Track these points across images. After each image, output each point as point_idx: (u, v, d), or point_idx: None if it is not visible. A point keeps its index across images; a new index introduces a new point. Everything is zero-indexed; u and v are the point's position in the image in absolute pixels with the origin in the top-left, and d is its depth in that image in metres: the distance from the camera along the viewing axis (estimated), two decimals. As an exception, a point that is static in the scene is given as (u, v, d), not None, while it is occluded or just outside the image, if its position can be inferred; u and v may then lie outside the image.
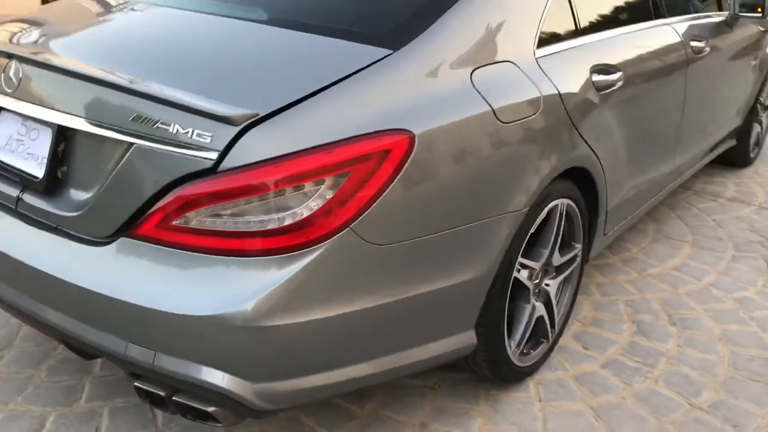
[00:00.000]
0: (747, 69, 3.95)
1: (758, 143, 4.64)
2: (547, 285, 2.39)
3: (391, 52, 1.85)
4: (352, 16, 2.03)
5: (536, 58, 2.18)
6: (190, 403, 1.70)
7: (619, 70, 2.51)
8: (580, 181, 2.38)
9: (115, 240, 1.73)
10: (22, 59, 1.86)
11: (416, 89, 1.82)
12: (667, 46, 2.94)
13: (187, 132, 1.61)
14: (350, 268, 1.68)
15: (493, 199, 1.97)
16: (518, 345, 2.30)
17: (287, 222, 1.60)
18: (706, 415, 2.31)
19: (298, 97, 1.67)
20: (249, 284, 1.60)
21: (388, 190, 1.68)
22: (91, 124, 1.74)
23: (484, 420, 2.25)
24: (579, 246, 2.49)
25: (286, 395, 1.71)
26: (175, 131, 1.62)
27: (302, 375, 1.71)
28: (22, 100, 1.87)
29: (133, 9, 2.23)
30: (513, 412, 2.29)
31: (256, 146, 1.60)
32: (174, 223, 1.65)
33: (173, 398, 1.71)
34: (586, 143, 2.32)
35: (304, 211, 1.61)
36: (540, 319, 2.38)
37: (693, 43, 3.16)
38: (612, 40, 2.61)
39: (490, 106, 1.93)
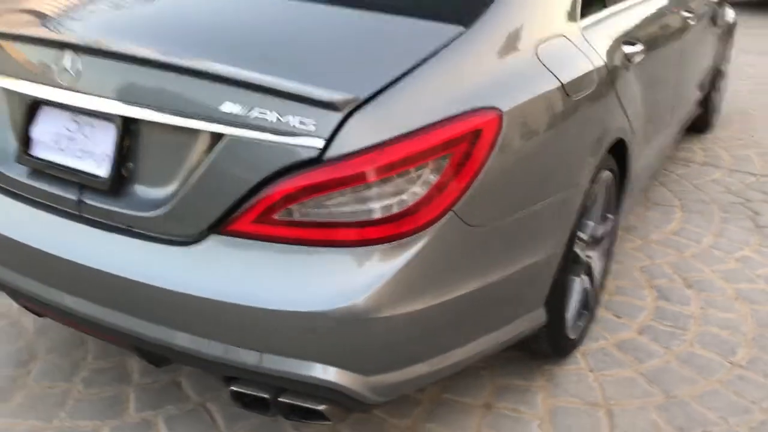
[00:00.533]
0: (714, 38, 4.10)
1: (717, 109, 4.84)
2: (589, 257, 2.42)
3: (463, 29, 1.80)
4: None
5: (581, 31, 2.19)
6: (298, 403, 1.63)
7: (640, 41, 2.55)
8: (614, 151, 2.41)
9: (205, 238, 1.62)
10: (80, 48, 1.70)
11: (494, 66, 1.80)
12: (668, 17, 3.01)
13: (288, 120, 1.53)
14: (454, 252, 1.65)
15: (567, 173, 1.97)
16: (572, 318, 2.32)
17: (395, 210, 1.55)
18: (747, 372, 2.41)
19: (390, 80, 1.62)
20: (363, 275, 1.54)
21: (483, 170, 1.65)
22: (172, 114, 1.62)
23: (546, 394, 2.27)
24: (614, 216, 2.53)
25: (396, 386, 1.67)
26: (274, 120, 1.53)
27: (412, 364, 1.67)
28: (81, 92, 1.72)
29: None
30: (570, 384, 2.32)
31: (359, 132, 1.53)
32: (275, 216, 1.56)
33: (279, 399, 1.63)
34: (625, 114, 2.36)
35: (410, 198, 1.56)
36: (584, 290, 2.41)
37: (684, 14, 3.25)
38: (628, 12, 2.65)
39: (560, 80, 1.92)
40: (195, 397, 2.22)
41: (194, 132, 1.62)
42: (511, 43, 1.86)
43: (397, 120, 1.57)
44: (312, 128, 1.52)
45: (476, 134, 1.63)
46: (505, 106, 1.72)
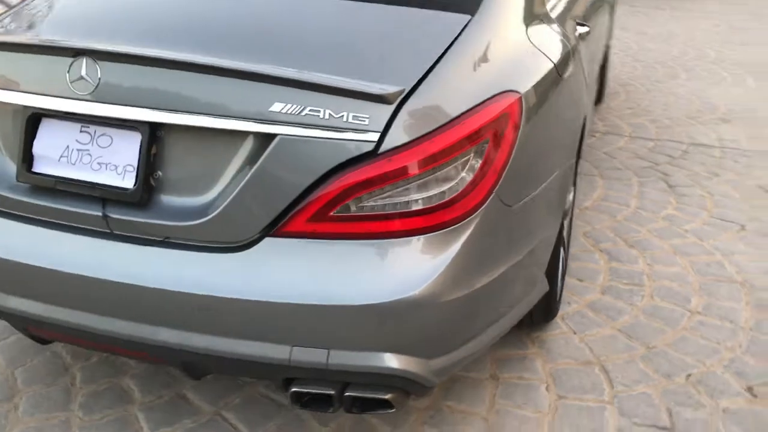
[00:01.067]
0: (608, 15, 4.41)
1: (606, 82, 5.21)
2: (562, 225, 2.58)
3: (470, 17, 1.87)
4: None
5: (550, 15, 2.32)
6: (366, 395, 1.65)
7: (585, 22, 2.73)
8: None
9: (259, 242, 1.59)
10: (100, 54, 1.61)
11: (502, 51, 1.88)
12: None
13: (342, 116, 1.53)
14: (497, 232, 1.72)
15: (566, 147, 2.10)
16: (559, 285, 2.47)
17: (447, 197, 1.60)
18: (706, 317, 2.66)
19: (426, 70, 1.66)
20: (426, 263, 1.58)
21: (513, 151, 1.73)
22: (214, 117, 1.57)
23: (543, 360, 2.40)
24: (575, 185, 2.71)
25: (451, 367, 1.73)
26: (327, 116, 1.53)
27: (464, 344, 1.73)
28: (99, 101, 1.62)
29: None
30: (561, 347, 2.47)
31: (409, 124, 1.57)
32: (332, 213, 1.57)
33: (345, 394, 1.64)
34: (587, 89, 2.53)
35: (460, 184, 1.62)
36: (562, 258, 2.57)
37: None
38: None
39: (552, 62, 2.04)
40: (207, 407, 2.17)
41: (237, 134, 1.59)
42: (511, 28, 1.95)
43: (440, 108, 1.61)
44: (366, 123, 1.53)
45: (507, 116, 1.71)
46: (522, 88, 1.81)
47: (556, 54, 2.09)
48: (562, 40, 2.23)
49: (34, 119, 1.71)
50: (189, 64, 1.57)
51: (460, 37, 1.78)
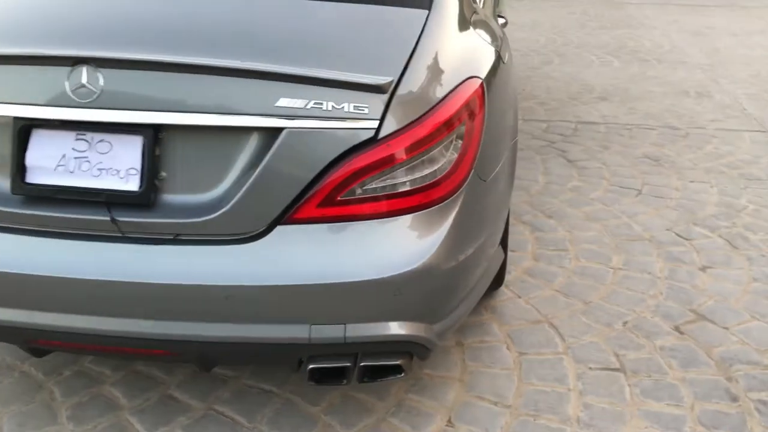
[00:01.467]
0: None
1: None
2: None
3: (427, 11, 2.04)
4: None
5: (481, 8, 2.54)
6: (379, 363, 1.79)
7: (503, 16, 2.99)
8: None
9: (271, 230, 1.70)
10: (100, 61, 1.64)
11: (459, 41, 2.07)
12: None
13: (343, 107, 1.66)
14: (478, 205, 1.91)
15: (513, 125, 2.32)
16: (505, 254, 2.70)
17: (438, 175, 1.77)
18: (628, 272, 2.99)
19: (405, 61, 1.81)
20: (427, 235, 1.75)
21: (482, 130, 1.93)
22: (219, 115, 1.65)
23: (498, 323, 2.63)
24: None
25: (449, 329, 1.91)
26: (329, 108, 1.66)
27: (458, 307, 1.91)
28: (101, 107, 1.66)
29: None
30: (511, 310, 2.71)
31: (401, 110, 1.72)
32: (339, 197, 1.70)
33: (361, 364, 1.78)
34: None
35: (448, 163, 1.79)
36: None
37: None
38: None
39: (496, 50, 2.25)
40: (198, 404, 2.22)
41: (242, 131, 1.68)
42: (460, 22, 2.14)
43: (423, 95, 1.77)
44: (366, 111, 1.67)
45: (476, 99, 1.90)
46: (481, 73, 2.00)
47: (496, 42, 2.30)
48: (495, 31, 2.45)
49: (24, 131, 1.71)
50: (193, 66, 1.64)
51: (424, 31, 1.94)
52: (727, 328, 2.62)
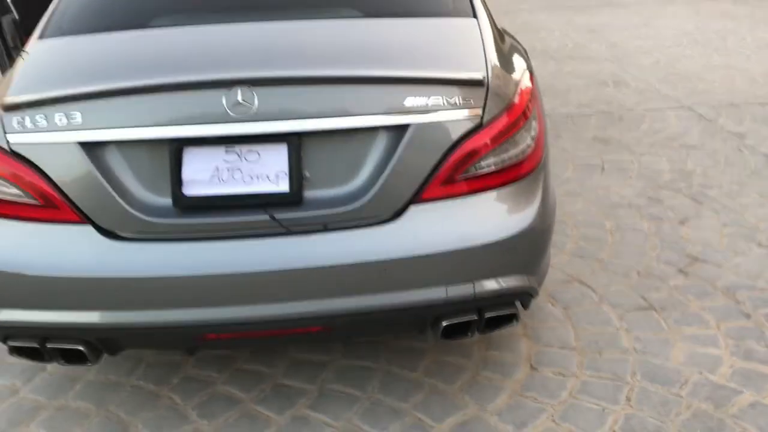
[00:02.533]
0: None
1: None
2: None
3: (476, 19, 2.42)
4: (420, 1, 2.50)
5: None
6: (501, 313, 2.13)
7: None
8: None
9: (405, 210, 2.00)
10: (252, 81, 1.90)
11: (503, 41, 2.46)
12: None
13: (455, 100, 2.00)
14: (549, 173, 2.29)
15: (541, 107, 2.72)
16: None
17: (528, 151, 2.14)
18: (623, 232, 3.46)
19: (483, 60, 2.17)
20: (527, 202, 2.11)
21: (542, 113, 2.32)
22: (354, 118, 1.93)
23: (537, 286, 3.01)
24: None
25: (543, 279, 2.26)
26: (444, 103, 1.99)
27: (546, 260, 2.28)
28: (253, 121, 1.91)
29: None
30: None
31: (494, 100, 2.07)
32: (458, 176, 2.03)
33: (486, 316, 2.11)
34: None
35: (531, 140, 2.16)
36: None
37: None
38: None
39: (517, 43, 2.65)
40: (309, 386, 2.47)
41: (372, 130, 1.98)
42: (494, 25, 2.52)
43: (505, 87, 2.13)
44: (472, 102, 2.02)
45: (534, 88, 2.28)
46: (529, 66, 2.39)
47: (514, 38, 2.70)
48: (504, 29, 2.85)
49: (177, 150, 1.94)
50: (329, 78, 1.93)
51: (483, 34, 2.31)
52: (720, 266, 3.12)
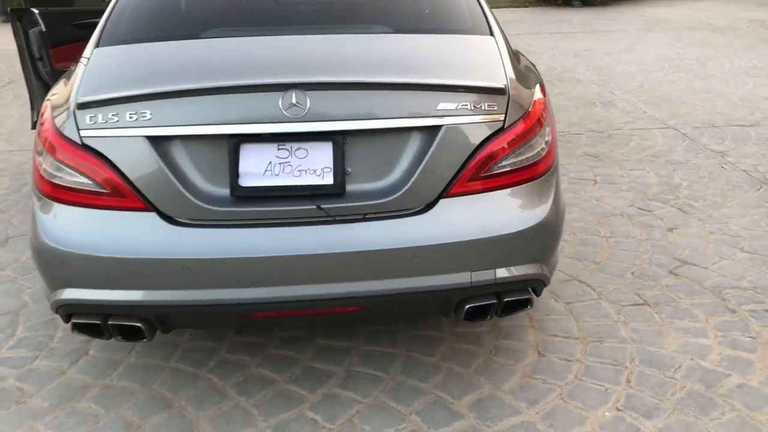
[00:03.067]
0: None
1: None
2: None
3: (492, 37, 2.69)
4: (440, 18, 2.77)
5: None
6: (518, 298, 2.37)
7: None
8: None
9: (435, 203, 2.25)
10: (306, 85, 2.14)
11: (518, 55, 2.73)
12: None
13: (481, 105, 2.26)
14: (559, 174, 2.55)
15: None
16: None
17: (543, 154, 2.39)
18: (617, 238, 3.73)
19: (503, 71, 2.43)
20: (542, 198, 2.36)
21: (553, 120, 2.58)
22: (393, 120, 2.18)
23: (540, 284, 3.26)
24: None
25: (554, 268, 2.51)
26: (472, 108, 2.25)
27: (557, 251, 2.53)
28: (304, 121, 2.15)
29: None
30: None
31: (514, 107, 2.33)
32: (482, 174, 2.28)
33: (505, 300, 2.35)
34: None
35: (545, 144, 2.42)
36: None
37: None
38: None
39: (525, 58, 2.93)
40: (337, 369, 2.69)
41: (407, 131, 2.22)
42: (508, 41, 2.79)
43: (523, 96, 2.39)
44: (496, 108, 2.28)
45: (546, 99, 2.55)
46: (541, 79, 2.66)
47: (524, 56, 2.98)
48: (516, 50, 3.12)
49: (236, 145, 2.17)
50: (373, 84, 2.18)
51: (500, 49, 2.58)
52: (706, 268, 3.40)
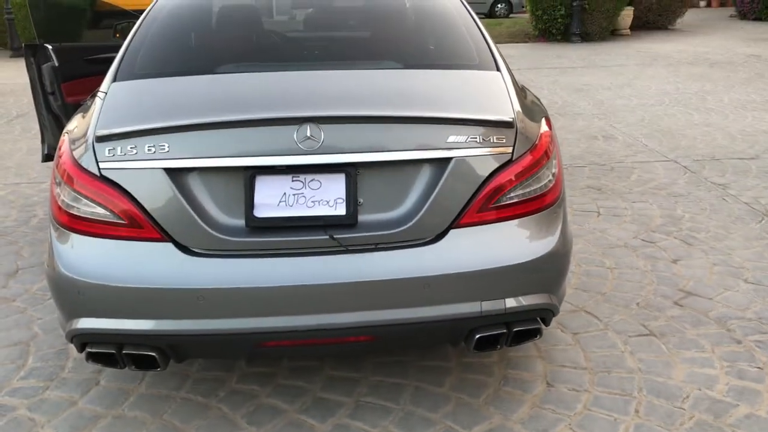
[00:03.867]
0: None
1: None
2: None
3: (499, 72, 2.76)
4: (449, 54, 2.84)
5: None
6: (528, 327, 2.40)
7: None
8: None
9: (446, 234, 2.29)
10: (320, 119, 2.20)
11: (524, 90, 2.80)
12: None
13: (489, 139, 2.32)
14: (566, 205, 2.60)
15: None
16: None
17: (549, 185, 2.44)
18: (621, 269, 3.77)
19: (511, 106, 2.49)
20: (550, 229, 2.40)
21: (559, 153, 2.64)
22: (404, 152, 2.24)
23: (546, 315, 3.29)
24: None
25: (562, 299, 2.55)
26: (481, 140, 2.30)
27: (565, 282, 2.57)
28: (318, 153, 2.21)
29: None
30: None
31: (521, 140, 2.39)
32: (491, 205, 2.33)
33: (514, 329, 2.38)
34: None
35: (552, 176, 2.47)
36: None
37: None
38: None
39: (530, 92, 3.00)
40: (346, 399, 2.71)
41: (417, 162, 2.27)
42: (514, 76, 2.86)
43: (530, 129, 2.44)
44: (504, 141, 2.33)
45: (552, 132, 2.61)
46: (547, 113, 2.72)
47: (529, 90, 3.05)
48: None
49: (251, 177, 2.22)
50: (384, 117, 2.24)
51: (506, 84, 2.64)
52: (711, 299, 3.43)
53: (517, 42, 14.82)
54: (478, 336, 2.35)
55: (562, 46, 13.93)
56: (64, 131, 2.51)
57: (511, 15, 22.69)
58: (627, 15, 15.36)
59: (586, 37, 14.64)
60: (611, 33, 15.20)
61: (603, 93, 8.73)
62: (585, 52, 12.83)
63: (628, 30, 15.72)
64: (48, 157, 4.45)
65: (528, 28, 15.70)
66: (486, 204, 2.30)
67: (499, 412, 2.61)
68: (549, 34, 14.85)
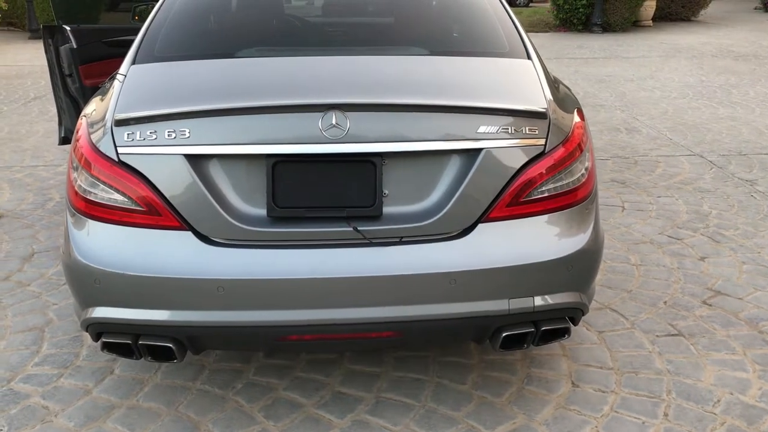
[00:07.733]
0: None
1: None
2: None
3: (530, 60, 2.66)
4: (477, 41, 2.74)
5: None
6: (556, 327, 2.31)
7: None
8: None
9: (473, 228, 2.20)
10: (346, 106, 2.11)
11: (555, 80, 2.69)
12: None
13: (522, 129, 2.22)
14: (598, 201, 2.50)
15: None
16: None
17: (582, 180, 2.34)
18: (647, 266, 3.67)
19: (543, 96, 2.39)
20: (583, 225, 2.31)
21: (592, 145, 2.54)
22: (433, 142, 2.15)
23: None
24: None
25: (592, 298, 2.45)
26: (512, 131, 2.21)
27: (594, 280, 2.48)
28: (345, 142, 2.12)
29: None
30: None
31: (555, 131, 2.29)
32: (521, 199, 2.24)
33: (542, 328, 2.29)
34: None
35: (585, 169, 2.37)
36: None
37: None
38: None
39: (561, 82, 2.89)
40: (366, 394, 2.64)
41: (445, 153, 2.19)
42: (544, 66, 2.76)
43: (563, 120, 2.35)
44: (537, 132, 2.24)
45: (585, 123, 2.51)
46: (579, 104, 2.62)
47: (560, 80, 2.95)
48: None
49: (274, 165, 2.14)
50: (413, 106, 2.15)
51: (538, 73, 2.54)
52: (741, 299, 3.32)
53: (537, 31, 14.62)
54: (504, 335, 2.27)
55: (583, 36, 13.73)
56: (82, 114, 2.44)
57: (531, 4, 22.42)
58: (649, 5, 15.11)
59: (607, 28, 14.43)
60: (633, 24, 14.97)
61: (625, 85, 8.58)
62: (606, 43, 12.65)
63: (650, 21, 15.47)
64: (65, 140, 4.39)
65: (548, 17, 15.49)
66: (516, 198, 2.21)
67: (522, 412, 2.53)
68: (570, 24, 14.64)
